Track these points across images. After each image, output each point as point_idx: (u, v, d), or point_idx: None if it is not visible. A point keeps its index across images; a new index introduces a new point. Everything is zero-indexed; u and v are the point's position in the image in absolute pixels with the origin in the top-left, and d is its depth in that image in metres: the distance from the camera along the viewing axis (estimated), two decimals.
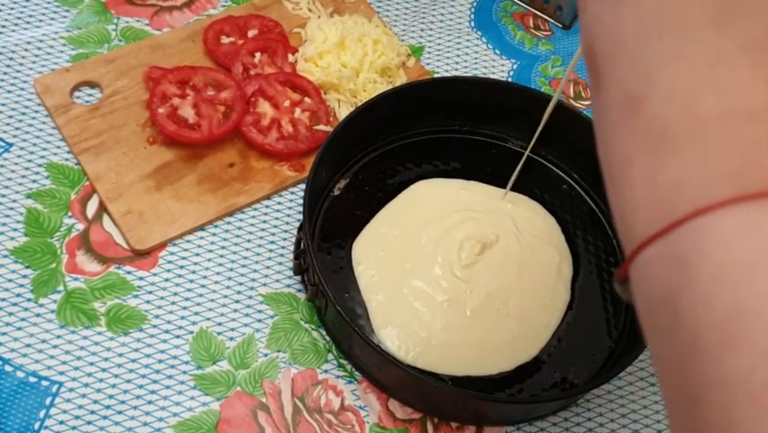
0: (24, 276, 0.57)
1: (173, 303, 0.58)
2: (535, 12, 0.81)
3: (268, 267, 0.61)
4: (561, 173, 0.68)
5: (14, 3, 0.71)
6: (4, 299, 0.56)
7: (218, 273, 0.60)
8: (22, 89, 0.66)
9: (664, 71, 0.28)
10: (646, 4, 0.29)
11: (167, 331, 0.57)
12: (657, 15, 0.28)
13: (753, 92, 0.26)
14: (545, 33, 0.80)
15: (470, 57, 0.76)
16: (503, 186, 0.65)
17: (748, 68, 0.27)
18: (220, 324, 0.58)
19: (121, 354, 0.55)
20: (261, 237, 0.62)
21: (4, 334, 0.54)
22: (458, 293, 0.59)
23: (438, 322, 0.58)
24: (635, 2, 0.29)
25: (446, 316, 0.58)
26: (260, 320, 0.58)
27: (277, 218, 0.63)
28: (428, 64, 0.75)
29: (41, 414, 0.52)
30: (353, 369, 0.57)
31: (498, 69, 0.76)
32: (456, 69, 0.75)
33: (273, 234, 0.63)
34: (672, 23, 0.28)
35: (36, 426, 0.51)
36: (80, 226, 0.60)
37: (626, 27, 0.29)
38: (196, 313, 0.58)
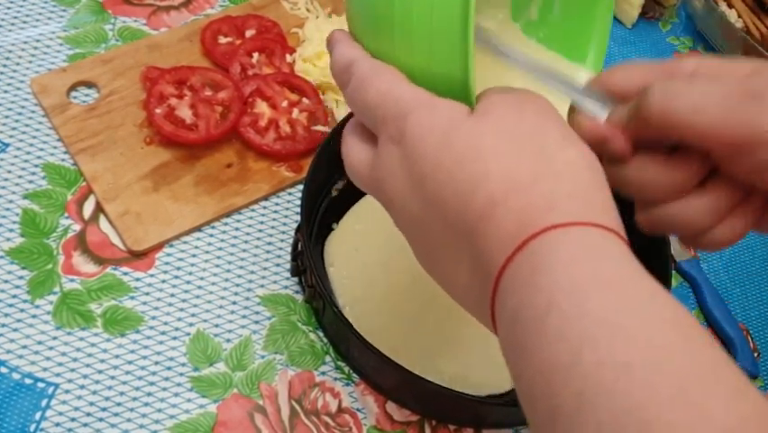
0: (20, 277, 0.57)
1: (170, 304, 0.58)
2: None
3: (265, 268, 0.61)
4: None
5: (11, 2, 0.71)
6: (0, 301, 0.56)
7: (215, 275, 0.60)
8: (18, 89, 0.65)
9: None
10: None
11: (163, 333, 0.56)
12: None
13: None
14: None
15: None
16: None
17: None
18: (217, 325, 0.57)
19: (117, 356, 0.55)
20: (259, 238, 0.62)
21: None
22: (444, 298, 0.58)
23: (422, 332, 0.57)
24: None
25: (431, 325, 0.57)
26: (257, 322, 0.58)
27: (274, 219, 0.63)
28: None
29: (37, 416, 0.52)
30: (351, 371, 0.57)
31: None
32: None
33: (271, 236, 0.62)
34: None
35: (32, 428, 0.51)
36: (77, 227, 0.60)
37: None
38: (193, 314, 0.57)
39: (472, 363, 0.57)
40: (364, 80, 0.36)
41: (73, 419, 0.52)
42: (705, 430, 0.23)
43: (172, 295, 0.58)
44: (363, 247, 0.60)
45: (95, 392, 0.53)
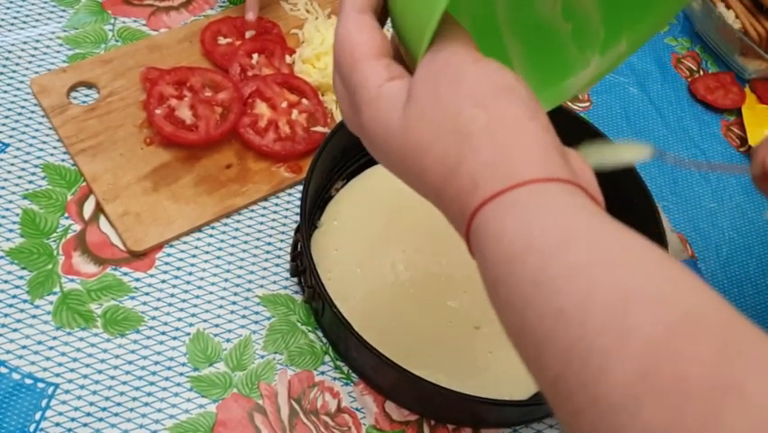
0: (20, 277, 0.57)
1: (170, 305, 0.58)
2: None
3: (265, 269, 0.61)
4: None
5: (11, 3, 0.71)
6: (0, 301, 0.56)
7: (215, 275, 0.60)
8: (18, 90, 0.66)
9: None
10: None
11: (163, 333, 0.56)
12: None
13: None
14: None
15: None
16: None
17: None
18: (217, 325, 0.57)
19: (117, 356, 0.55)
20: (258, 239, 0.62)
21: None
22: (427, 297, 0.58)
23: (413, 331, 0.57)
24: None
25: (420, 324, 0.57)
26: (256, 322, 0.58)
27: (274, 220, 0.63)
28: None
29: (37, 416, 0.52)
30: (350, 371, 0.57)
31: None
32: None
33: (270, 236, 0.63)
34: None
35: (32, 428, 0.51)
36: (77, 227, 0.60)
37: None
38: (193, 315, 0.58)
39: (465, 364, 0.57)
40: (336, 51, 0.36)
41: (73, 419, 0.52)
42: (634, 345, 0.26)
43: (172, 295, 0.58)
44: (342, 246, 0.60)
45: (95, 392, 0.53)
